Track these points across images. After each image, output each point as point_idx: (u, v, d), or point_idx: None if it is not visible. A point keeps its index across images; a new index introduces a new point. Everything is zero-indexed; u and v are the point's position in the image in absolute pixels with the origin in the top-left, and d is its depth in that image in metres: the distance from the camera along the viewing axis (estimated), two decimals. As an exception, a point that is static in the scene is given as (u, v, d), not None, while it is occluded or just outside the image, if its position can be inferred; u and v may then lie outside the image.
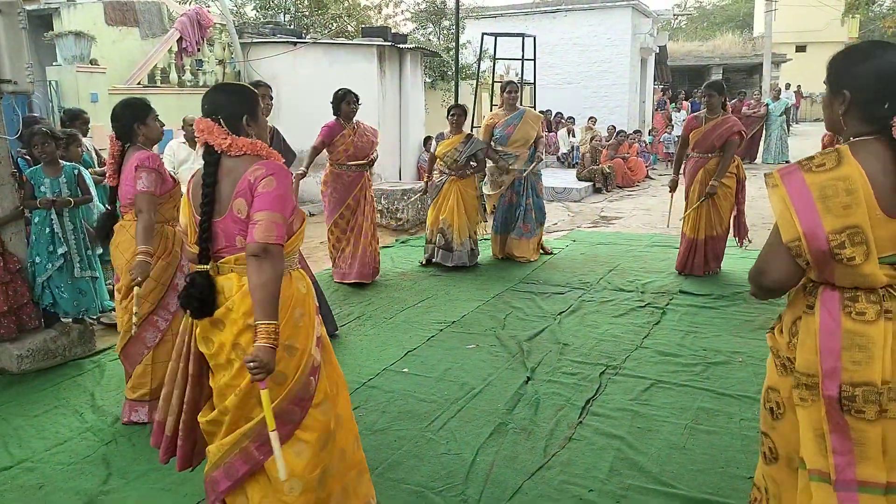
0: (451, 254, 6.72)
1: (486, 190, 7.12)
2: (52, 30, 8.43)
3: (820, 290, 1.81)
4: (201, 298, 2.25)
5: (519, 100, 6.98)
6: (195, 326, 2.37)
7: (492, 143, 6.89)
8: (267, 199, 2.17)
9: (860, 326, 1.74)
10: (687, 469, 3.09)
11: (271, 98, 4.43)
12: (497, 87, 12.87)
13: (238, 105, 2.35)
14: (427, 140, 7.46)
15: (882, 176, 1.71)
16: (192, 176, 2.41)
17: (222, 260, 2.29)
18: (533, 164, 6.96)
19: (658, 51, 21.48)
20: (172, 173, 6.97)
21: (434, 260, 6.81)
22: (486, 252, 7.58)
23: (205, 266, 2.28)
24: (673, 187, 6.61)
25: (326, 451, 2.39)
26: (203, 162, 2.31)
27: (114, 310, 4.63)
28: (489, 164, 6.99)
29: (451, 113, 6.68)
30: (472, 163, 6.68)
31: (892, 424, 1.72)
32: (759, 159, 15.53)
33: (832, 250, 1.71)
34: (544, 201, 7.33)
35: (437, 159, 6.73)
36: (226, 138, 2.27)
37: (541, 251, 7.27)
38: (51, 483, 3.09)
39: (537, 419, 3.61)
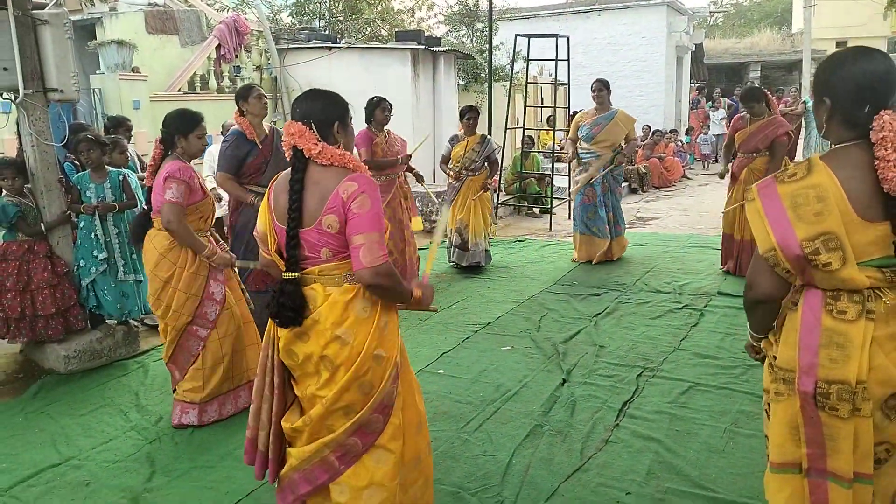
0: (466, 253, 6.76)
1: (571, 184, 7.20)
2: (96, 39, 8.65)
3: (805, 289, 1.84)
4: (294, 307, 2.24)
5: (607, 98, 6.88)
6: (277, 339, 2.37)
7: (578, 140, 6.97)
8: (365, 221, 2.17)
9: (840, 325, 1.76)
10: (726, 473, 3.05)
11: (267, 98, 4.51)
12: (531, 88, 12.83)
13: (331, 111, 2.34)
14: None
15: (858, 182, 1.72)
16: (273, 182, 2.40)
17: (305, 271, 2.29)
18: (609, 168, 6.87)
19: (694, 49, 21.15)
20: (212, 177, 7.17)
21: (451, 260, 6.84)
22: (521, 254, 7.56)
23: (293, 273, 2.27)
24: (722, 176, 6.61)
25: (401, 456, 2.38)
26: (290, 167, 2.29)
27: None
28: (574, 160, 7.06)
29: (466, 116, 6.70)
30: (486, 164, 6.74)
31: (865, 423, 1.74)
32: (798, 158, 15.21)
33: (807, 257, 1.73)
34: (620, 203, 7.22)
35: (453, 161, 6.73)
36: (317, 144, 2.25)
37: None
38: (97, 480, 3.18)
39: (573, 421, 3.59)
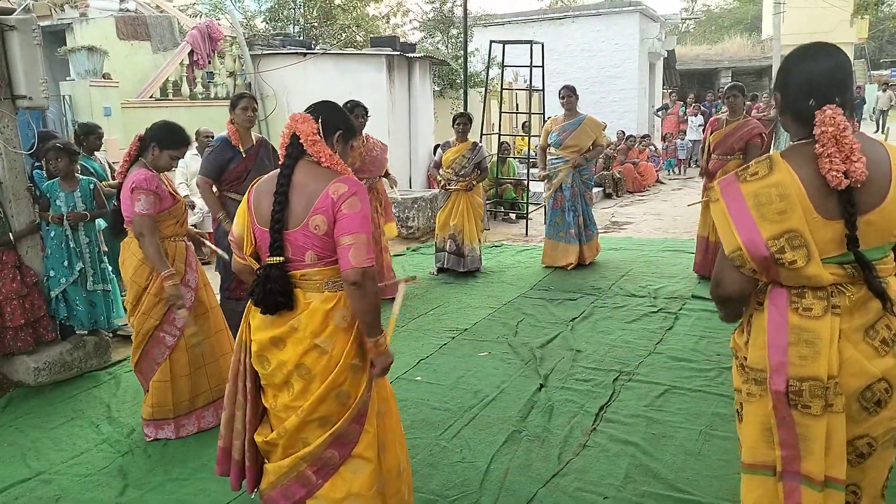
0: (463, 259, 6.76)
1: (543, 190, 7.23)
2: (66, 45, 8.53)
3: (769, 288, 1.85)
4: (283, 291, 2.21)
5: (575, 104, 6.92)
6: (250, 343, 2.34)
7: (549, 147, 7.02)
8: (355, 222, 2.16)
9: (807, 322, 1.76)
10: (702, 475, 3.07)
11: (254, 110, 4.50)
12: (506, 94, 12.89)
13: (340, 120, 2.36)
14: (437, 148, 7.55)
15: (816, 179, 1.73)
16: (253, 185, 2.39)
17: (288, 273, 2.25)
18: (568, 166, 6.85)
19: (666, 55, 21.46)
20: (185, 185, 7.11)
21: (446, 266, 6.84)
22: (498, 259, 7.58)
23: (278, 258, 2.22)
24: (702, 174, 6.58)
25: (380, 465, 2.38)
26: (282, 161, 2.28)
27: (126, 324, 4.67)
28: (547, 165, 7.10)
29: (457, 122, 6.74)
30: (477, 170, 6.74)
31: (838, 419, 1.75)
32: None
33: (773, 256, 1.74)
34: (591, 210, 7.21)
35: (444, 167, 6.77)
36: (315, 135, 2.25)
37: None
38: (68, 495, 3.11)
39: (551, 426, 3.60)
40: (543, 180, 7.38)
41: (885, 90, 21.92)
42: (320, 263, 2.23)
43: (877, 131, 20.03)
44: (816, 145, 1.72)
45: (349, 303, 2.22)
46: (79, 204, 4.49)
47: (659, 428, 3.54)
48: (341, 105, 2.50)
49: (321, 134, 2.27)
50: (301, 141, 2.25)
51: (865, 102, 21.85)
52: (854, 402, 1.77)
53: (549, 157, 7.07)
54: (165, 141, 3.52)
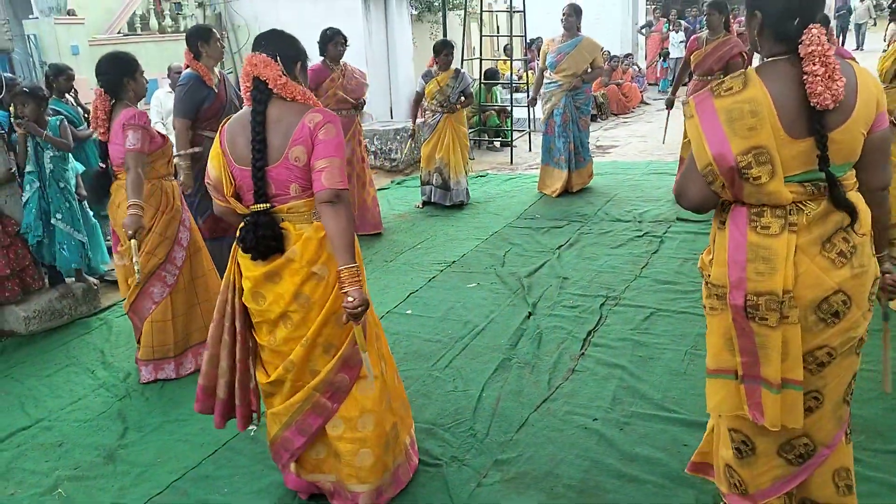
0: (449, 192, 6.71)
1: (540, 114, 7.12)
2: (25, -19, 8.15)
3: (731, 207, 1.92)
4: (275, 236, 2.24)
5: (576, 24, 6.70)
6: (239, 280, 2.37)
7: (546, 70, 6.85)
8: (330, 147, 2.20)
9: (764, 240, 1.84)
10: (688, 394, 3.17)
11: (222, 45, 4.37)
12: (487, 16, 12.53)
13: (296, 49, 2.36)
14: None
15: (787, 98, 1.76)
16: (223, 125, 2.37)
17: (274, 209, 2.27)
18: (561, 90, 6.71)
19: (650, -31, 20.79)
20: (161, 124, 6.95)
21: (432, 200, 6.80)
22: (484, 189, 7.56)
23: (264, 205, 2.24)
24: (669, 106, 6.58)
25: (385, 382, 2.50)
26: (252, 104, 2.25)
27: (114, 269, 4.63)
28: (542, 89, 6.94)
29: (443, 52, 6.49)
30: (462, 97, 6.59)
31: (793, 329, 1.85)
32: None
33: (740, 170, 1.79)
34: (587, 136, 7.10)
35: (427, 99, 6.62)
36: (282, 76, 2.25)
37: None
38: (70, 440, 3.17)
39: (540, 353, 3.68)
40: (530, 106, 7.28)
41: (862, 0, 21.46)
42: (304, 195, 2.26)
43: (857, 49, 19.65)
44: (804, 64, 1.73)
45: (329, 225, 2.20)
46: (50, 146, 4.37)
47: (645, 350, 3.62)
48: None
49: (285, 70, 2.28)
50: (270, 87, 2.24)
51: (852, 13, 21.44)
52: (811, 315, 1.86)
53: (545, 81, 6.92)
54: (130, 67, 3.52)
